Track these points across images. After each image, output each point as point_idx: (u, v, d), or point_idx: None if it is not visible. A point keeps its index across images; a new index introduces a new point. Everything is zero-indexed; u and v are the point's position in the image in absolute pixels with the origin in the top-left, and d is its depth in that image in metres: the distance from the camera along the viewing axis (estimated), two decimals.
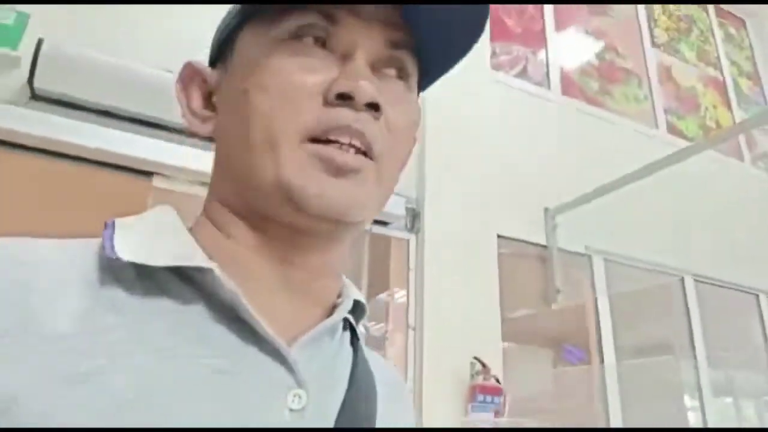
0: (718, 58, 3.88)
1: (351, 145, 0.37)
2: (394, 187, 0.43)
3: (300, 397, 0.36)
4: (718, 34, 3.98)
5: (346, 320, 0.45)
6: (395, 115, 0.40)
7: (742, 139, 3.54)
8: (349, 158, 0.37)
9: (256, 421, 0.34)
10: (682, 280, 2.84)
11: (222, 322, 0.36)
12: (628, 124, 3.08)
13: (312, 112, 0.37)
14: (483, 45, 2.68)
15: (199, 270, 0.36)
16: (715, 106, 3.64)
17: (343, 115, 0.37)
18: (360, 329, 0.46)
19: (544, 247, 2.48)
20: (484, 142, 2.45)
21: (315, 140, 0.37)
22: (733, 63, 3.95)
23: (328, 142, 0.37)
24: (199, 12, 1.81)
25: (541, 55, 3.02)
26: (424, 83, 0.46)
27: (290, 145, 0.37)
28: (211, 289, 0.36)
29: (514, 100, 2.72)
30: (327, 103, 0.37)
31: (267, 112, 0.37)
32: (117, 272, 0.35)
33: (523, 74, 2.90)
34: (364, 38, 0.39)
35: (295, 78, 0.38)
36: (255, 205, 0.39)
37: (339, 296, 0.44)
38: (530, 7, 3.09)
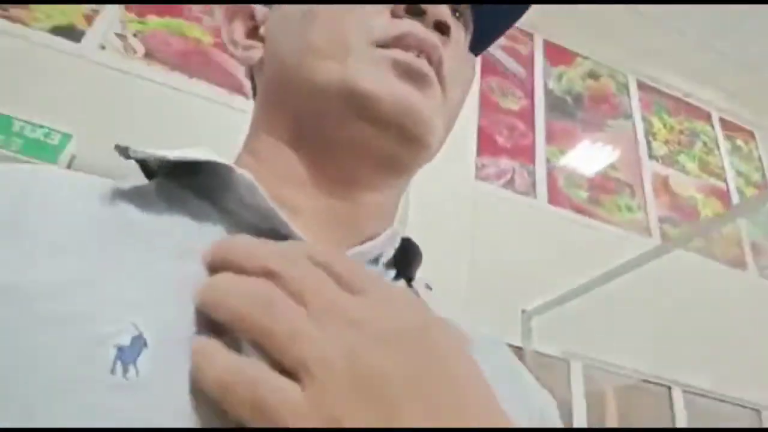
0: (722, 168, 3.97)
1: (419, 57, 0.36)
2: (450, 131, 0.41)
3: None
4: (724, 145, 4.10)
5: (402, 270, 0.40)
6: (458, 57, 0.39)
7: (747, 247, 3.54)
8: (423, 64, 0.35)
9: None
10: (669, 390, 2.81)
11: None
12: (618, 232, 3.20)
13: (381, 20, 0.36)
14: (469, 156, 2.95)
15: (223, 182, 0.33)
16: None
17: (415, 25, 0.36)
18: (417, 284, 0.41)
19: (519, 348, 2.56)
20: (462, 246, 2.65)
21: (383, 46, 0.35)
22: (739, 174, 4.02)
23: (396, 49, 0.35)
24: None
25: (530, 167, 3.26)
26: (475, 48, 0.45)
27: (359, 47, 0.35)
28: (229, 198, 0.33)
29: (497, 207, 2.94)
30: (394, 15, 0.36)
31: (333, 18, 0.36)
32: (128, 191, 0.33)
33: (509, 185, 3.13)
34: None
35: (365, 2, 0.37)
36: (312, 122, 0.37)
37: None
38: (521, 124, 3.38)
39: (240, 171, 0.33)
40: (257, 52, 0.41)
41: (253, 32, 0.42)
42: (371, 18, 0.36)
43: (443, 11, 0.37)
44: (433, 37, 0.36)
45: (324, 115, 0.36)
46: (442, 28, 0.37)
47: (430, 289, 0.42)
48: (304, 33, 0.37)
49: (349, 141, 0.36)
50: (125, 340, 0.25)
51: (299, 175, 0.37)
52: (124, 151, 0.33)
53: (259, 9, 0.43)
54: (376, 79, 0.34)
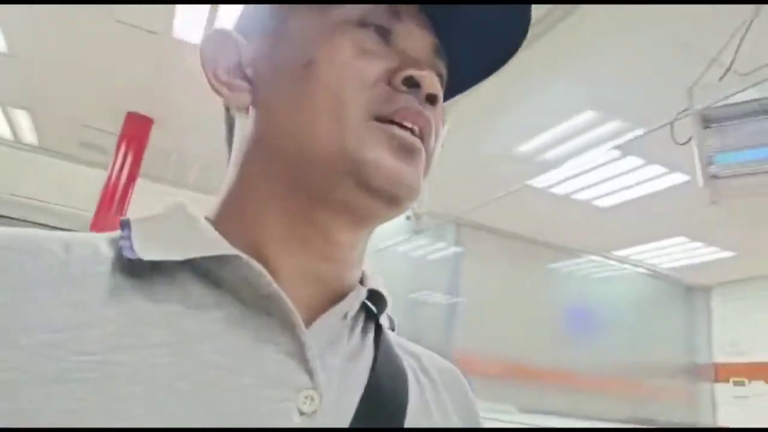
0: None
1: (412, 131, 0.38)
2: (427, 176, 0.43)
3: (312, 399, 0.33)
4: None
5: (370, 313, 0.43)
6: (439, 117, 0.41)
7: None
8: (416, 141, 0.38)
9: (259, 423, 0.31)
10: None
11: (237, 315, 0.35)
12: None
13: (380, 90, 0.37)
14: None
15: (221, 259, 0.35)
16: None
17: (411, 99, 0.38)
18: (384, 321, 0.44)
19: None
20: None
21: (380, 119, 0.37)
22: None
23: (391, 122, 0.37)
24: None
25: None
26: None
27: (358, 119, 0.36)
28: (231, 279, 0.35)
29: None
30: (392, 86, 0.38)
31: (335, 84, 0.37)
32: (129, 268, 0.34)
33: None
34: (421, 41, 0.41)
35: (363, 59, 0.38)
36: (305, 184, 0.38)
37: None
38: None
39: (248, 260, 0.34)
40: (245, 97, 0.41)
41: (237, 70, 0.41)
42: (372, 87, 0.37)
43: (435, 84, 0.38)
44: (425, 112, 0.38)
45: (321, 180, 0.37)
46: (431, 100, 0.39)
47: (393, 329, 0.46)
48: (302, 96, 0.37)
49: (344, 204, 0.37)
50: None
51: (285, 234, 0.38)
52: (130, 250, 0.34)
53: (246, 47, 0.42)
54: (374, 152, 0.36)
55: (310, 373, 0.34)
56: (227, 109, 0.45)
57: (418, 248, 4.95)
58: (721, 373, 5.55)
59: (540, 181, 3.69)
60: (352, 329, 0.40)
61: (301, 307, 0.36)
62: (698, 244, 4.56)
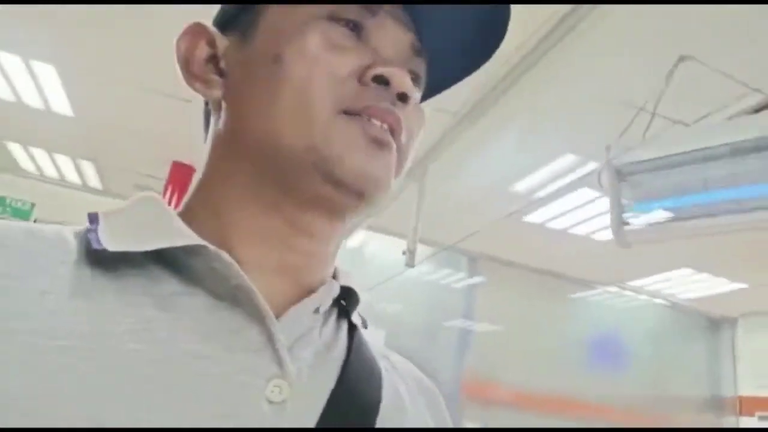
0: None
1: (381, 128, 0.38)
2: (401, 175, 0.43)
3: (281, 388, 0.33)
4: None
5: (342, 310, 0.43)
6: (413, 116, 0.41)
7: None
8: (385, 135, 0.38)
9: (228, 412, 0.31)
10: None
11: (205, 305, 0.35)
12: None
13: (350, 86, 0.38)
14: None
15: (189, 250, 0.35)
16: None
17: (381, 96, 0.38)
18: (356, 319, 0.44)
19: None
20: None
21: (348, 114, 0.37)
22: None
23: (360, 117, 0.37)
24: None
25: None
26: (423, 95, 0.46)
27: (326, 114, 0.37)
28: (199, 270, 0.35)
29: None
30: (362, 83, 0.38)
31: (303, 78, 0.37)
32: (96, 259, 0.34)
33: None
34: (396, 38, 0.41)
35: (333, 54, 0.38)
36: (274, 177, 0.38)
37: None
38: None
39: (216, 251, 0.35)
40: (217, 90, 0.41)
41: (211, 64, 0.42)
42: (341, 82, 0.38)
43: (406, 83, 0.39)
44: (395, 110, 0.39)
45: (289, 174, 0.38)
46: (402, 98, 0.39)
47: (365, 327, 0.45)
48: (272, 92, 0.37)
49: (313, 197, 0.38)
50: None
51: (254, 227, 0.39)
52: (97, 242, 0.35)
53: (219, 38, 0.42)
54: (343, 147, 0.37)
55: (279, 362, 0.33)
56: (206, 104, 0.45)
57: (437, 276, 5.24)
58: (746, 406, 5.48)
59: (538, 216, 3.96)
60: (324, 324, 0.40)
61: (271, 299, 0.35)
62: (705, 275, 4.65)
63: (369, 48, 0.39)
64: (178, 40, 0.42)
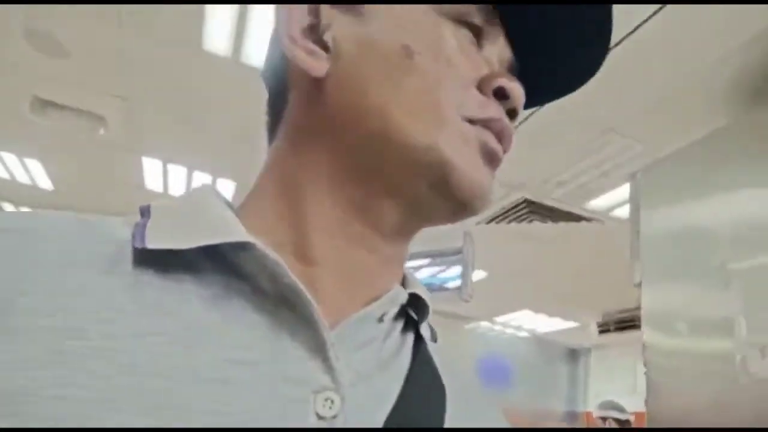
0: None
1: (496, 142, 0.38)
2: None
3: (332, 402, 0.30)
4: None
5: (409, 320, 0.40)
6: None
7: None
8: (500, 152, 0.38)
9: (270, 426, 0.29)
10: None
11: (254, 307, 0.32)
12: None
13: (473, 94, 0.37)
14: None
15: (237, 247, 0.32)
16: None
17: (501, 111, 0.38)
18: (425, 332, 0.41)
19: None
20: None
21: (471, 122, 0.37)
22: None
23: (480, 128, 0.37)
24: None
25: None
26: None
27: (454, 118, 0.36)
28: (249, 268, 0.33)
29: None
30: (483, 93, 0.37)
31: (435, 76, 0.36)
32: (141, 256, 0.32)
33: None
34: (502, 53, 0.41)
35: (463, 58, 0.37)
36: (376, 171, 0.36)
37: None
38: None
39: (262, 248, 0.32)
40: (323, 64, 0.37)
41: (313, 33, 0.38)
42: (464, 90, 0.37)
43: (522, 100, 0.38)
44: (511, 127, 0.38)
45: (394, 172, 0.36)
46: (514, 114, 0.39)
47: (435, 341, 0.44)
48: (398, 83, 0.36)
49: (410, 200, 0.36)
50: None
51: (333, 223, 0.37)
52: (141, 239, 0.32)
53: (327, 11, 0.39)
54: (465, 155, 0.36)
55: (331, 372, 0.31)
56: (269, 76, 0.42)
57: None
58: (590, 420, 6.90)
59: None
60: (388, 335, 0.37)
61: (334, 303, 0.35)
62: (542, 315, 6.10)
63: (484, 57, 0.39)
64: (277, 8, 0.39)
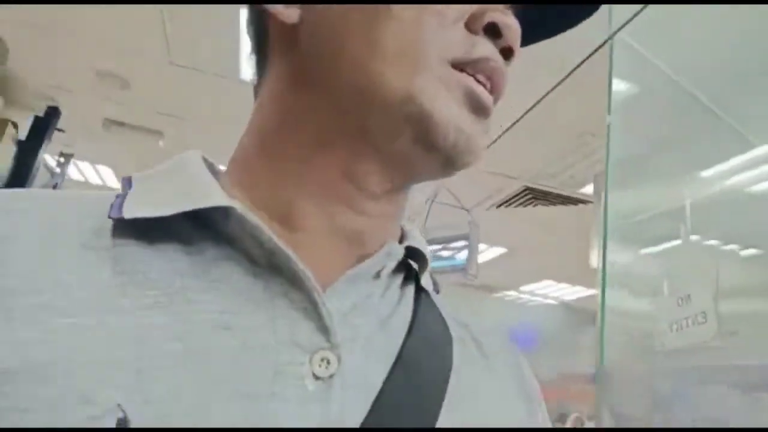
0: None
1: (484, 85, 0.34)
2: None
3: (328, 362, 0.29)
4: None
5: (409, 273, 0.39)
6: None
7: None
8: (489, 97, 0.34)
9: (265, 391, 0.28)
10: None
11: (244, 271, 0.31)
12: None
13: (458, 33, 0.34)
14: None
15: (218, 211, 0.31)
16: None
17: (492, 50, 0.34)
18: (426, 282, 0.39)
19: None
20: None
21: (455, 66, 0.33)
22: None
23: (464, 71, 0.34)
24: None
25: None
26: None
27: (433, 62, 0.33)
28: (234, 233, 0.32)
29: None
30: (471, 30, 0.34)
31: (412, 19, 0.33)
32: (121, 226, 0.31)
33: None
34: None
35: None
36: (353, 128, 0.34)
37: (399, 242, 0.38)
38: None
39: (242, 211, 0.31)
40: (293, 9, 0.35)
41: None
42: (449, 30, 0.34)
43: (517, 37, 0.35)
44: (504, 68, 0.35)
45: (374, 127, 0.34)
46: (509, 53, 0.35)
47: (438, 291, 0.42)
48: (374, 29, 0.33)
49: (395, 157, 0.34)
50: (110, 422, 0.25)
51: (318, 186, 0.35)
52: (117, 209, 0.31)
53: None
54: (446, 104, 0.33)
55: (326, 333, 0.30)
56: (252, 23, 0.39)
57: None
58: None
59: None
60: (386, 289, 0.36)
61: (326, 263, 0.33)
62: (564, 284, 6.46)
63: None
64: None
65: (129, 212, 0.31)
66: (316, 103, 0.35)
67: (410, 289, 0.39)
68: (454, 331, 0.39)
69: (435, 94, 0.33)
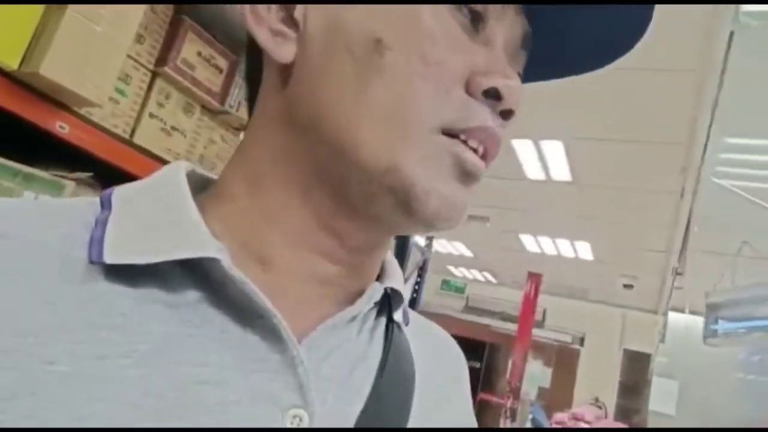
0: None
1: (476, 150, 0.34)
2: None
3: (300, 419, 0.30)
4: None
5: (386, 307, 0.39)
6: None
7: None
8: (480, 164, 0.34)
9: None
10: None
11: (224, 318, 0.31)
12: None
13: (456, 100, 0.33)
14: None
15: (204, 258, 0.30)
16: None
17: (488, 116, 0.34)
18: (398, 317, 0.40)
19: None
20: None
21: (447, 134, 0.33)
22: None
23: (456, 137, 0.33)
24: None
25: None
26: None
27: (423, 131, 0.32)
28: (215, 278, 0.31)
29: None
30: (470, 93, 0.33)
31: (406, 79, 0.32)
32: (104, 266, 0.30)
33: None
34: (514, 27, 0.36)
35: (446, 54, 0.32)
36: (337, 184, 0.34)
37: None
38: None
39: (231, 269, 0.30)
40: (289, 48, 0.34)
41: (284, 11, 0.35)
42: (447, 94, 0.33)
43: (518, 99, 0.34)
44: (500, 131, 0.34)
45: (355, 186, 0.33)
46: (508, 115, 0.35)
47: (407, 324, 0.42)
48: (363, 84, 0.32)
49: (374, 217, 0.34)
50: None
51: (298, 232, 0.35)
52: (98, 250, 0.30)
53: None
54: (430, 174, 0.32)
55: (300, 390, 0.31)
56: (250, 47, 0.38)
57: None
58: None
59: None
60: (361, 327, 0.37)
61: (303, 311, 0.34)
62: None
63: (483, 39, 0.34)
64: None
65: (111, 257, 0.30)
66: (299, 149, 0.34)
67: (382, 323, 0.39)
68: (417, 346, 0.41)
69: (420, 164, 0.32)
